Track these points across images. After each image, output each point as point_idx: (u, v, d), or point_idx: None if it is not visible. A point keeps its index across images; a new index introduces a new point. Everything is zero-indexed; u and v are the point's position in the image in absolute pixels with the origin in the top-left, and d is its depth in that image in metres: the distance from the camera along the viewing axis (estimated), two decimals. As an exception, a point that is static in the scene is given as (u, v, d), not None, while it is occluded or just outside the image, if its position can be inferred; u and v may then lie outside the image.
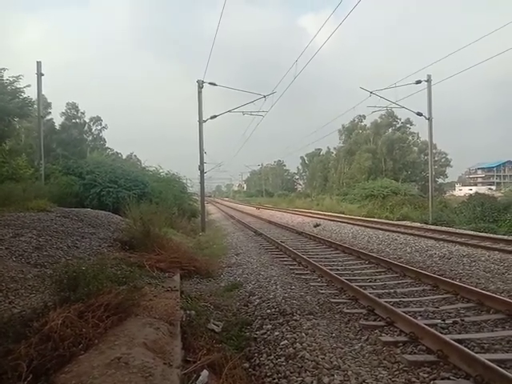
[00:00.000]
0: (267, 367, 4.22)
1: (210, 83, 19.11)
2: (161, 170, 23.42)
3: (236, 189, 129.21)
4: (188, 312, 5.27)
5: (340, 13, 11.53)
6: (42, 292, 4.92)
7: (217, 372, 3.87)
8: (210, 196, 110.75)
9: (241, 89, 22.17)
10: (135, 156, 58.67)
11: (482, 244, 11.63)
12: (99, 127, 55.89)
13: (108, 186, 17.10)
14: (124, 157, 55.46)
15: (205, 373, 3.66)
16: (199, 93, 19.14)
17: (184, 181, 28.79)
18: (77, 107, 52.34)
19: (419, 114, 21.86)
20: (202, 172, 20.11)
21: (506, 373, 3.48)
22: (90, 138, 55.28)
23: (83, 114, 52.80)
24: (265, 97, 19.27)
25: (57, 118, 44.73)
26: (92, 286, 4.22)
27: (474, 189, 54.22)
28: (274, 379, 3.96)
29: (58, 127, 44.13)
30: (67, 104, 51.74)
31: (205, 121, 19.46)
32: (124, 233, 9.47)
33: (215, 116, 20.22)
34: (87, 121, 53.90)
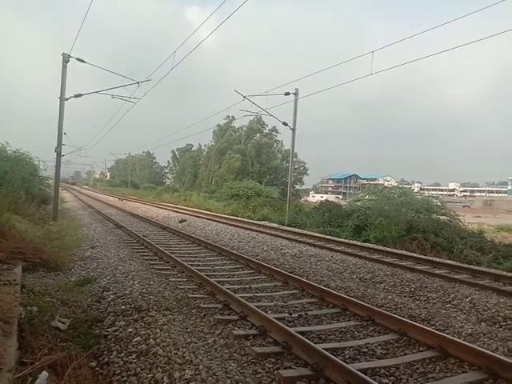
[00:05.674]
0: (117, 365, 4.02)
1: (77, 59, 17.40)
2: (8, 148, 20.40)
3: (98, 177, 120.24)
4: (29, 308, 4.72)
5: (225, 11, 11.81)
6: None
7: (59, 373, 3.54)
8: (74, 183, 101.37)
9: (113, 71, 20.61)
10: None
11: (327, 246, 13.08)
12: None
13: None
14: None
15: (44, 374, 3.31)
16: (64, 67, 17.28)
17: (36, 162, 25.74)
18: None
19: (285, 124, 23.41)
20: (59, 154, 18.22)
21: (336, 359, 3.99)
22: None
23: None
24: (138, 83, 18.42)
25: None
26: None
27: (325, 196, 60.71)
28: (123, 377, 3.80)
29: None
30: None
31: (67, 99, 17.65)
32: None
33: (80, 95, 18.52)
34: None
